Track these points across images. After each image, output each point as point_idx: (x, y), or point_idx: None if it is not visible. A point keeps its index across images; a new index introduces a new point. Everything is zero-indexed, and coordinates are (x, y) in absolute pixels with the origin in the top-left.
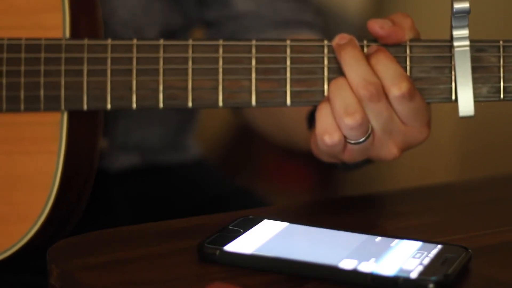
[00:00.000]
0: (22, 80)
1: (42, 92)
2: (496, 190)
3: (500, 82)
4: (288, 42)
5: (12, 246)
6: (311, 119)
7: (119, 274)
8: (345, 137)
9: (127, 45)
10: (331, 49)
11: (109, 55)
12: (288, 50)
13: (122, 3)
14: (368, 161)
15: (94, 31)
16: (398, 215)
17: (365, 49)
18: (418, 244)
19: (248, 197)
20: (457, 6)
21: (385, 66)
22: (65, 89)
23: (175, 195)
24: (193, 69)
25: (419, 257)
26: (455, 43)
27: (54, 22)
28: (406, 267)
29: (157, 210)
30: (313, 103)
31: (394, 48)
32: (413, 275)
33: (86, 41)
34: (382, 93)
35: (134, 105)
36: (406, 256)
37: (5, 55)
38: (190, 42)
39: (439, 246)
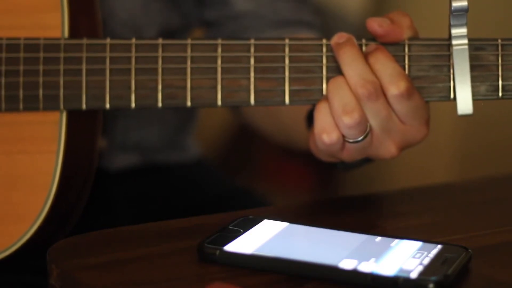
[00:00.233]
0: (21, 79)
1: (41, 92)
2: (496, 190)
3: (498, 81)
4: (286, 41)
5: (11, 246)
6: (310, 119)
7: (119, 274)
8: (343, 136)
9: (126, 45)
10: (329, 48)
11: (108, 54)
12: (287, 49)
13: (121, 3)
14: (367, 160)
15: (93, 31)
16: (398, 215)
17: (364, 48)
18: (418, 244)
19: (248, 197)
20: (455, 4)
21: (384, 65)
22: (64, 88)
23: (175, 195)
24: (191, 68)
25: (419, 257)
26: (454, 42)
27: (53, 21)
28: (406, 267)
29: (157, 210)
30: (312, 102)
31: (393, 47)
32: (413, 275)
33: (84, 41)
34: (380, 92)
35: (133, 105)
36: (406, 256)
37: (4, 54)
38: (189, 41)
39: (439, 246)
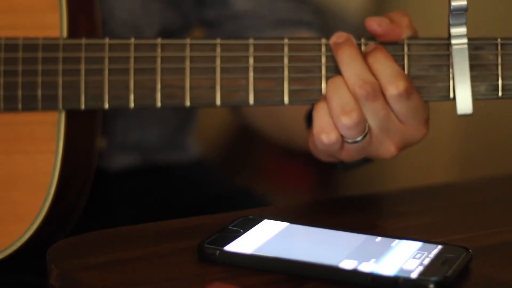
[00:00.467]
0: (20, 79)
1: (39, 92)
2: (496, 190)
3: (498, 80)
4: (285, 40)
5: (11, 245)
6: (310, 118)
7: (119, 274)
8: (342, 136)
9: (125, 44)
10: (328, 48)
11: (106, 54)
12: (286, 49)
13: (120, 3)
14: (367, 160)
15: (92, 31)
16: (398, 215)
17: (363, 48)
18: (418, 244)
19: (248, 197)
20: (454, 3)
21: (383, 64)
22: (63, 88)
23: (174, 195)
24: (190, 68)
25: (419, 257)
26: (453, 41)
27: (52, 21)
28: (407, 267)
29: (157, 210)
30: (311, 102)
31: (392, 46)
32: (414, 275)
33: (83, 41)
34: (379, 92)
35: (132, 104)
36: (406, 256)
37: (2, 54)
38: (188, 41)
39: (439, 247)
